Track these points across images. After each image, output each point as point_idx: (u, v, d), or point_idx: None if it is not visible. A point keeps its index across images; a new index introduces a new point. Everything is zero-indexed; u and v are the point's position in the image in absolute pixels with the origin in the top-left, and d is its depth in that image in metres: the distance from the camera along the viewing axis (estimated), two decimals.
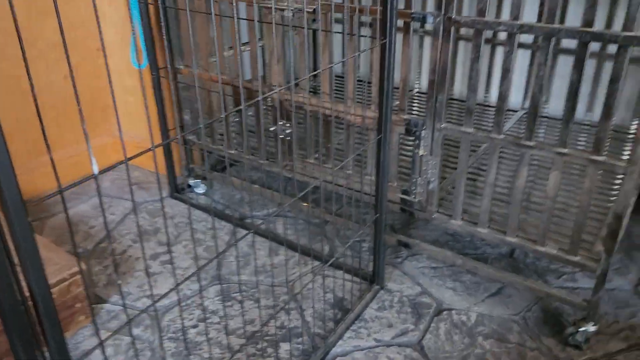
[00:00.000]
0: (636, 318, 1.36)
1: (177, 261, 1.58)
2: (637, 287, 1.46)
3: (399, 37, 1.23)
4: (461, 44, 2.11)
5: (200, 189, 1.93)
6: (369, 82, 1.40)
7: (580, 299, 1.27)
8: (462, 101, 2.13)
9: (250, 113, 1.94)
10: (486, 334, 1.32)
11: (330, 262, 1.46)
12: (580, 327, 1.26)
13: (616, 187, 1.55)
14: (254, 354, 1.28)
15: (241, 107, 0.82)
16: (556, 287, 1.44)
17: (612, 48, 1.82)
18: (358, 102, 1.46)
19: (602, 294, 1.22)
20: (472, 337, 1.32)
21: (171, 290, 0.84)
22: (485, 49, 2.04)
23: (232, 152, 1.75)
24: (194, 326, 1.36)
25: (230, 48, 1.75)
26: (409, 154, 1.69)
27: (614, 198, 1.50)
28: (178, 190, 1.93)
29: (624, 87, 1.81)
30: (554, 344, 1.29)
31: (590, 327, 1.25)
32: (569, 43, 1.88)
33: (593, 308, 1.24)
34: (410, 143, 1.75)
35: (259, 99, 0.95)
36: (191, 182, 1.93)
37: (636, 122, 1.86)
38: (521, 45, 1.95)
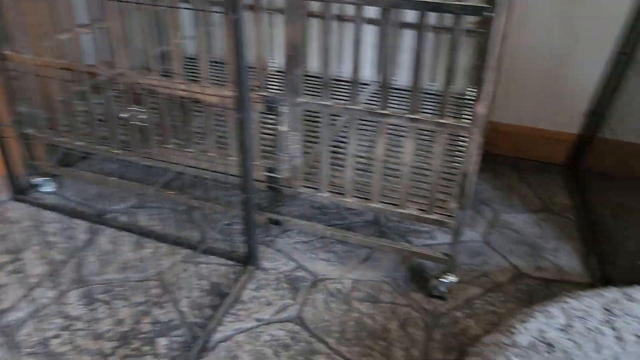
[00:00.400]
0: (488, 265, 1.51)
1: (28, 268, 1.42)
2: (486, 238, 1.62)
3: (250, 15, 1.21)
4: (309, 21, 2.14)
5: (48, 187, 1.75)
6: (224, 63, 1.36)
7: (440, 254, 1.38)
8: (314, 77, 2.17)
9: (96, 100, 1.79)
10: (361, 298, 1.38)
11: (202, 249, 1.41)
12: (442, 279, 1.37)
13: (462, 148, 1.69)
14: (128, 355, 1.20)
15: (84, 89, 0.75)
16: (418, 246, 1.54)
17: (447, 22, 1.97)
18: (214, 82, 1.42)
19: (458, 247, 1.33)
20: (349, 303, 1.36)
21: (23, 298, 0.75)
22: (334, 27, 2.09)
23: (81, 143, 1.61)
24: (56, 336, 1.24)
25: (68, 30, 1.60)
26: (271, 131, 1.69)
27: (462, 159, 1.64)
28: (21, 191, 1.73)
29: (459, 57, 1.97)
30: (421, 297, 1.39)
31: (451, 278, 1.36)
32: (408, 18, 2.00)
33: (452, 261, 1.36)
34: (271, 120, 1.75)
35: (110, 80, 0.87)
36: (36, 180, 1.75)
37: (470, 89, 2.04)
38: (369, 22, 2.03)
